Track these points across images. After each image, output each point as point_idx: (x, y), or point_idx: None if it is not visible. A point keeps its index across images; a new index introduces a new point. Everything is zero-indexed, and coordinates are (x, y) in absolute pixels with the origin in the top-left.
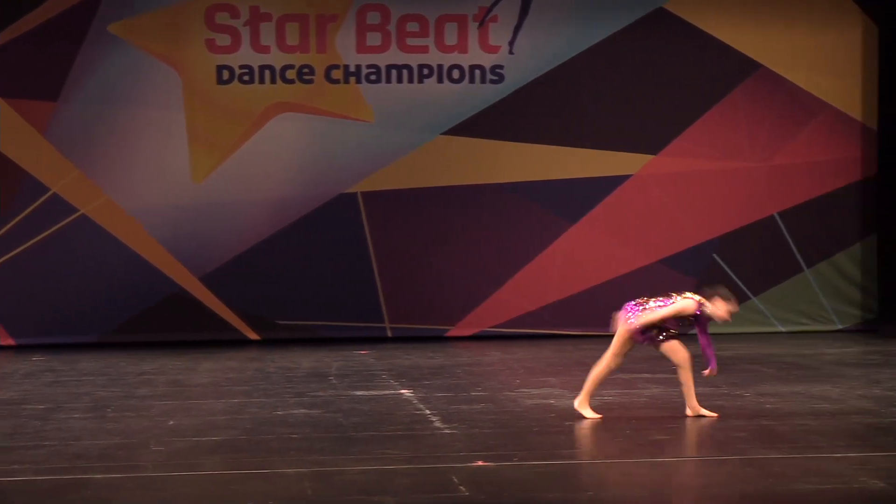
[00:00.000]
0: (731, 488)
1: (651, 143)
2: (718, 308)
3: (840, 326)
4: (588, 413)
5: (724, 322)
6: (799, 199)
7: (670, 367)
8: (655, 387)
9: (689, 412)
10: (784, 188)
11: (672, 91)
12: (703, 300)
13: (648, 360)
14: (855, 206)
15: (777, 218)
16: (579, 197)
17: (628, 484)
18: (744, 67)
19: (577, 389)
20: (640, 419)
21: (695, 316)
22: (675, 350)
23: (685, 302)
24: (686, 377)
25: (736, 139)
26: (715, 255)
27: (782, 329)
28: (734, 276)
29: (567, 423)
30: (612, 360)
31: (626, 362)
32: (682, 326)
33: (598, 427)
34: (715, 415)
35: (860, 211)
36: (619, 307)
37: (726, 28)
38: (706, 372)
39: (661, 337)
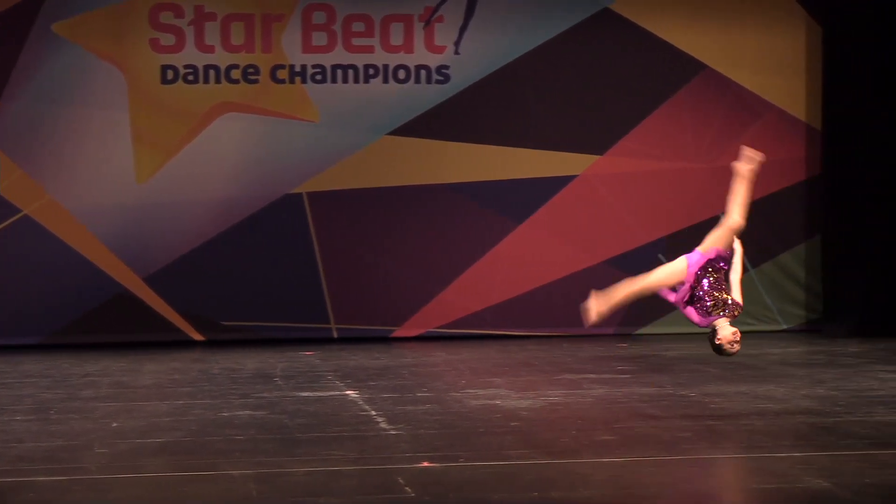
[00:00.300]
0: (676, 488)
1: (597, 144)
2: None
3: (785, 326)
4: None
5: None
6: None
7: (616, 367)
8: (601, 387)
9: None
10: (729, 189)
11: (618, 91)
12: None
13: (594, 361)
14: (800, 206)
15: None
16: (525, 197)
17: (574, 484)
18: (689, 68)
19: (523, 390)
20: (587, 419)
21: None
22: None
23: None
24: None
25: (681, 139)
26: (661, 256)
27: None
28: None
29: (513, 424)
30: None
31: (573, 363)
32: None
33: (543, 427)
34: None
35: (805, 211)
36: (564, 308)
37: (671, 29)
38: None
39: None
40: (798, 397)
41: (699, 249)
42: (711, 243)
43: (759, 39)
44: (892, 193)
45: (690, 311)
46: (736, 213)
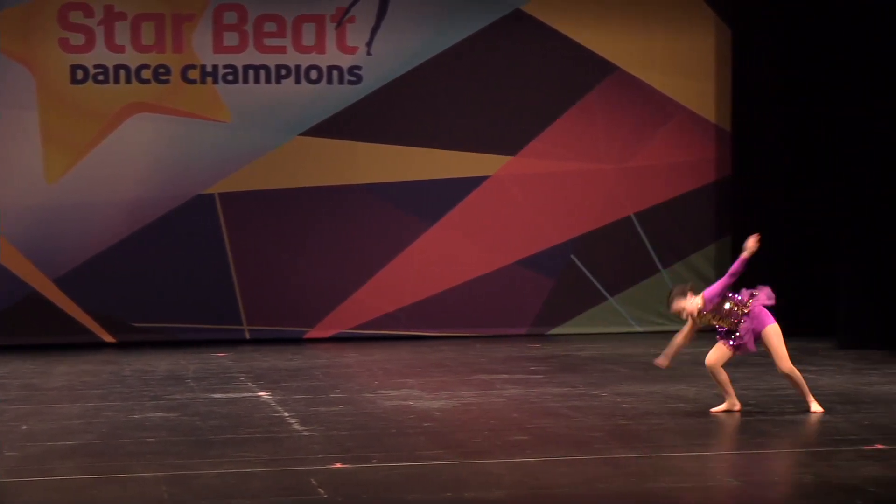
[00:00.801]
0: (588, 487)
1: (509, 145)
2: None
3: None
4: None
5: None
6: (655, 200)
7: (529, 367)
8: (514, 387)
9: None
10: (640, 189)
11: (530, 92)
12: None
13: (507, 361)
14: (710, 206)
15: (634, 219)
16: (437, 198)
17: (487, 484)
18: (600, 69)
19: (436, 390)
20: (499, 419)
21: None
22: (777, 357)
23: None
24: (796, 384)
25: (593, 141)
26: (573, 256)
27: (639, 329)
28: (591, 277)
29: (426, 425)
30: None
31: (486, 363)
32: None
33: (456, 428)
34: (822, 409)
35: (715, 212)
36: (477, 308)
37: (583, 30)
38: None
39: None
40: (709, 397)
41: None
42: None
43: (669, 41)
44: (800, 194)
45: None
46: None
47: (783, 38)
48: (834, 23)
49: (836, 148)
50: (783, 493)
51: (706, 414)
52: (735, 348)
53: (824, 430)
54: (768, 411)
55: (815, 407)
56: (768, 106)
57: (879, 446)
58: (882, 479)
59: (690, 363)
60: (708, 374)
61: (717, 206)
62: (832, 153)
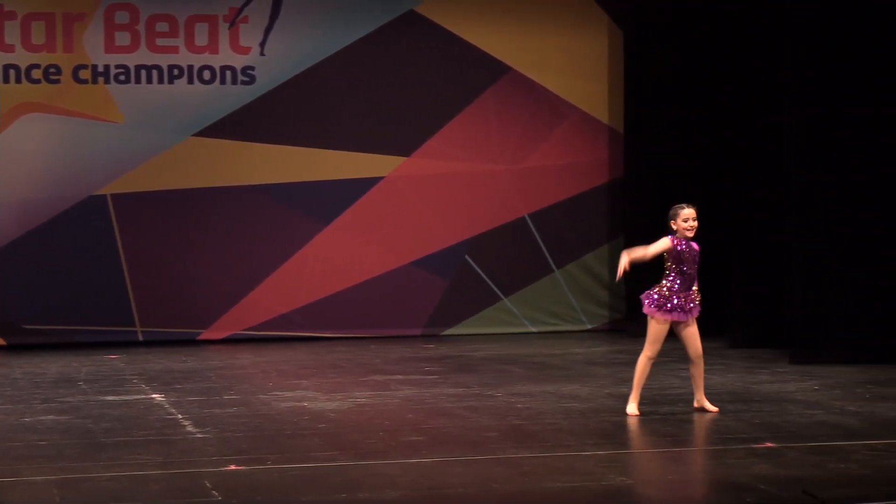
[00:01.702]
0: (483, 487)
1: (403, 145)
2: (678, 227)
3: (589, 326)
4: (632, 410)
5: (692, 232)
6: (549, 200)
7: (423, 368)
8: (409, 388)
9: (696, 404)
10: (534, 190)
11: (424, 93)
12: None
13: (402, 362)
14: (603, 207)
15: (528, 219)
16: (331, 199)
17: (382, 485)
18: (494, 70)
19: (330, 391)
20: (394, 420)
21: (678, 250)
22: (694, 339)
23: (661, 241)
24: (697, 371)
25: (487, 141)
26: (467, 257)
27: (533, 329)
28: (486, 277)
29: (321, 426)
30: (647, 349)
31: (381, 364)
32: (683, 272)
33: (351, 429)
34: (716, 409)
35: (608, 212)
36: (372, 309)
37: (476, 31)
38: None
39: (680, 308)
40: (602, 396)
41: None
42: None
43: (562, 43)
44: (690, 193)
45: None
46: None
47: (675, 40)
48: (725, 25)
49: (726, 148)
50: (676, 492)
51: (599, 413)
52: (673, 310)
53: (716, 429)
54: (659, 410)
55: (709, 406)
56: (660, 107)
57: (769, 444)
58: (772, 477)
59: (583, 362)
60: (597, 375)
61: (610, 207)
62: (722, 153)
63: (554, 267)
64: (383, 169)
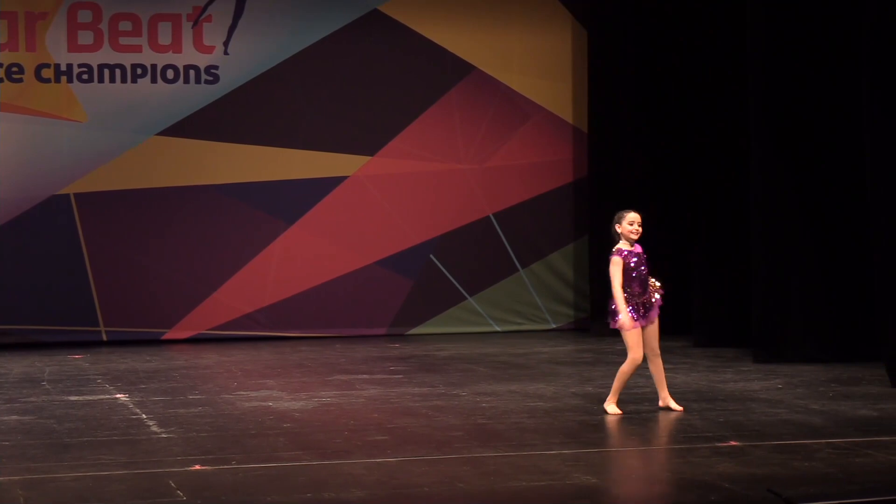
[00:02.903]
0: (449, 486)
1: (367, 145)
2: (623, 230)
3: (554, 325)
4: (613, 409)
5: (636, 235)
6: (513, 200)
7: (389, 367)
8: (374, 388)
9: (661, 403)
10: (499, 189)
11: (388, 93)
12: (618, 246)
13: (367, 361)
14: (568, 207)
15: (492, 219)
16: (296, 198)
17: (347, 485)
18: (458, 69)
19: (295, 391)
20: (359, 420)
21: (630, 265)
22: (653, 337)
23: (614, 266)
24: (657, 369)
25: (451, 141)
26: (432, 256)
27: (498, 329)
28: (451, 277)
29: (285, 426)
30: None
31: (346, 363)
32: (638, 279)
33: (316, 429)
34: (680, 408)
35: (573, 212)
36: (337, 309)
37: (440, 30)
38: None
39: (644, 309)
40: (567, 395)
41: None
42: None
43: (526, 42)
44: (654, 193)
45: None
46: None
47: (639, 40)
48: (688, 24)
49: (690, 147)
50: (641, 490)
51: (564, 412)
52: (639, 319)
53: (680, 428)
54: (623, 409)
55: (673, 405)
56: (624, 107)
57: (734, 443)
58: (736, 476)
59: (548, 362)
60: (562, 374)
61: (575, 206)
62: (685, 152)
63: (519, 266)
64: (348, 168)
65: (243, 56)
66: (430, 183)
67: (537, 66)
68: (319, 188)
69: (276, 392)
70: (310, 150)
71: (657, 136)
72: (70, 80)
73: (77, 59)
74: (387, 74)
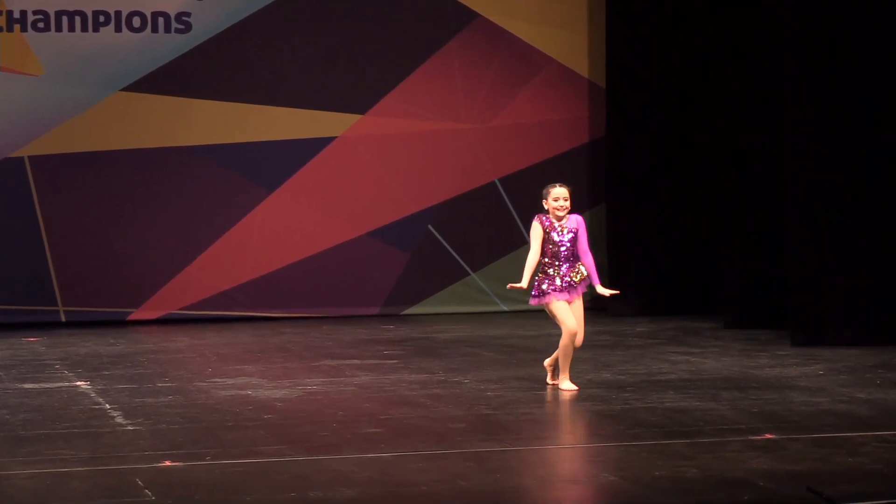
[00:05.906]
0: (449, 485)
1: (357, 102)
2: (549, 206)
3: None
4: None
5: (563, 212)
6: (522, 163)
7: (382, 351)
8: (366, 374)
9: (555, 381)
10: (506, 152)
11: (380, 44)
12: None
13: (357, 345)
14: (583, 171)
15: (498, 185)
16: (278, 162)
17: (336, 482)
18: (459, 17)
19: (277, 378)
20: (349, 410)
21: (547, 232)
22: (580, 317)
23: (533, 229)
24: (566, 345)
25: (452, 97)
26: (430, 227)
27: (505, 308)
28: (451, 250)
29: (266, 417)
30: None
31: (334, 347)
32: (556, 253)
33: (301, 420)
34: (576, 387)
35: (588, 177)
36: (324, 286)
37: None
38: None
39: (576, 279)
40: (583, 383)
41: None
42: None
43: None
44: (679, 157)
45: None
46: None
47: None
48: None
49: (720, 107)
50: (664, 489)
51: (578, 402)
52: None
53: (709, 419)
54: (646, 399)
55: (569, 385)
56: (646, 59)
57: (769, 436)
58: (772, 473)
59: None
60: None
61: (590, 170)
62: (715, 112)
63: (528, 238)
64: (336, 128)
65: (219, 2)
66: (427, 145)
67: (548, 14)
68: (304, 150)
69: (255, 379)
70: (294, 107)
71: (683, 93)
72: (24, 29)
73: (31, 4)
74: (380, 24)
